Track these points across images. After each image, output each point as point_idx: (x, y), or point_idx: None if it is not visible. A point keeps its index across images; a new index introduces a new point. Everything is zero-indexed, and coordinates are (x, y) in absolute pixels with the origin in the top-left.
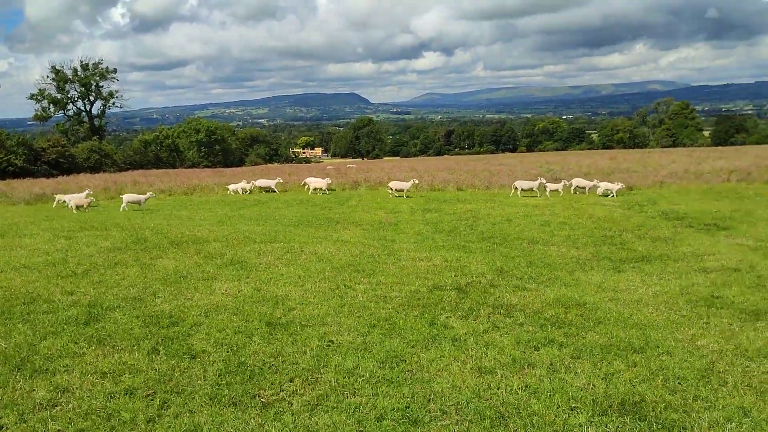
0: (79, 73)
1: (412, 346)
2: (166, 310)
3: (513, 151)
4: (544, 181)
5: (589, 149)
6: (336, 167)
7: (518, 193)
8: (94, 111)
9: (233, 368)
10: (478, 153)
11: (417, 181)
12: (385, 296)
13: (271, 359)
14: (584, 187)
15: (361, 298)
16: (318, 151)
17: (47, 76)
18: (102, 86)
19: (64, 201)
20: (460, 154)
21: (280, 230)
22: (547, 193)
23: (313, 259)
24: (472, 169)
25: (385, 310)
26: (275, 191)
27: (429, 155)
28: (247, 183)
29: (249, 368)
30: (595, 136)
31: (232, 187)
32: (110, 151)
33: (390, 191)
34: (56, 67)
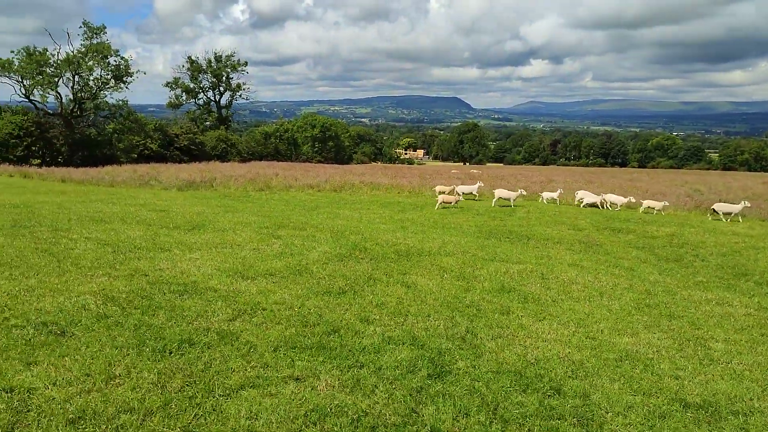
0: (212, 64)
1: None
2: (515, 363)
3: (623, 165)
4: None
5: (707, 169)
6: (461, 171)
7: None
8: (222, 101)
9: None
10: (587, 165)
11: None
12: None
13: None
14: None
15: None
16: (420, 152)
17: (182, 66)
18: (232, 78)
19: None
20: (567, 165)
21: (485, 245)
22: None
23: (590, 293)
24: (608, 183)
25: None
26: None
27: (534, 164)
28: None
29: None
30: (714, 156)
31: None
32: (236, 140)
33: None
34: (192, 58)
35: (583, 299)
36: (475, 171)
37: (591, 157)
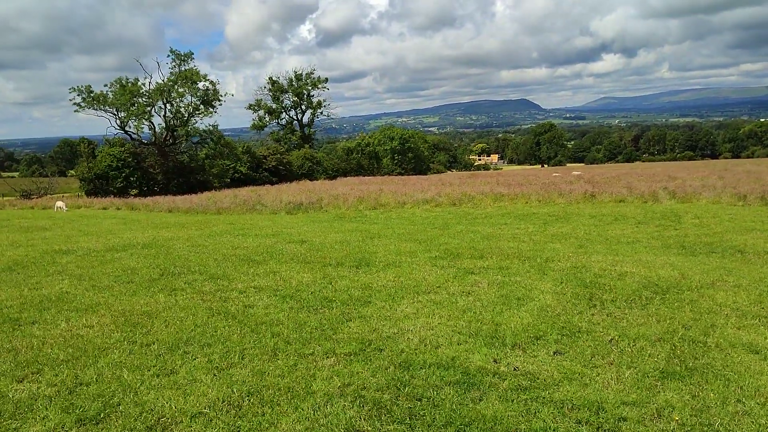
0: (293, 83)
1: None
2: None
3: (713, 157)
4: None
5: None
6: (563, 174)
7: None
8: (304, 120)
9: None
10: (674, 159)
11: None
12: None
13: None
14: None
15: None
16: (494, 157)
17: (264, 87)
18: (312, 95)
19: None
20: (653, 160)
21: (724, 267)
22: None
23: None
24: (737, 176)
25: None
26: None
27: (617, 161)
28: None
29: None
30: None
31: None
32: (321, 158)
33: None
34: (273, 78)
35: None
36: (577, 173)
37: (677, 150)
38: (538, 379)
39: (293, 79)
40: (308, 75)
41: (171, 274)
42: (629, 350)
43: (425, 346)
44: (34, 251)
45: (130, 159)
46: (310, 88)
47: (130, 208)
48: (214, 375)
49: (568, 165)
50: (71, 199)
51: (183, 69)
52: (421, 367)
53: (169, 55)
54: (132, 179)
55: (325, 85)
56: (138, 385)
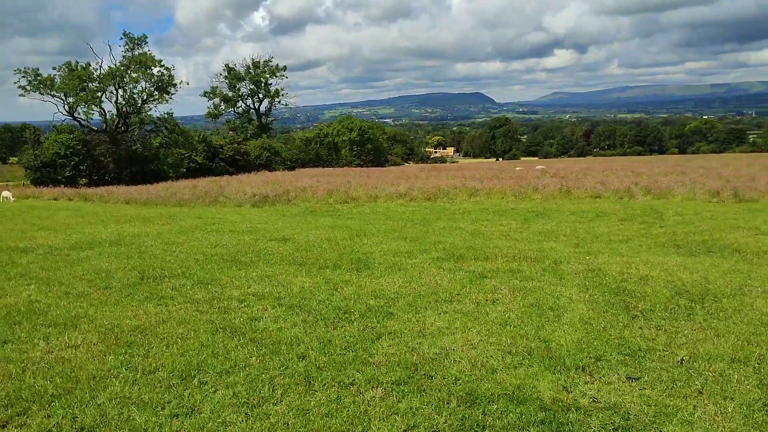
0: (250, 71)
1: None
2: None
3: (661, 152)
4: None
5: (752, 151)
6: (526, 168)
7: None
8: (262, 109)
9: None
10: (625, 154)
11: None
12: None
13: None
14: None
15: None
16: (450, 150)
17: (220, 74)
18: (270, 84)
19: None
20: (605, 155)
21: (744, 270)
22: None
23: None
24: (701, 173)
25: None
26: None
27: (570, 156)
28: None
29: None
30: (756, 138)
31: None
32: (279, 148)
33: None
34: (229, 65)
35: None
36: (540, 167)
37: (627, 146)
38: (630, 415)
39: (251, 66)
40: (266, 63)
41: (152, 277)
42: (710, 375)
43: (479, 370)
44: None
45: (79, 147)
46: (267, 76)
47: (83, 198)
48: (247, 414)
49: (522, 159)
50: (17, 188)
51: (136, 53)
52: (489, 401)
53: (122, 38)
54: (82, 168)
55: (284, 73)
56: (156, 430)
